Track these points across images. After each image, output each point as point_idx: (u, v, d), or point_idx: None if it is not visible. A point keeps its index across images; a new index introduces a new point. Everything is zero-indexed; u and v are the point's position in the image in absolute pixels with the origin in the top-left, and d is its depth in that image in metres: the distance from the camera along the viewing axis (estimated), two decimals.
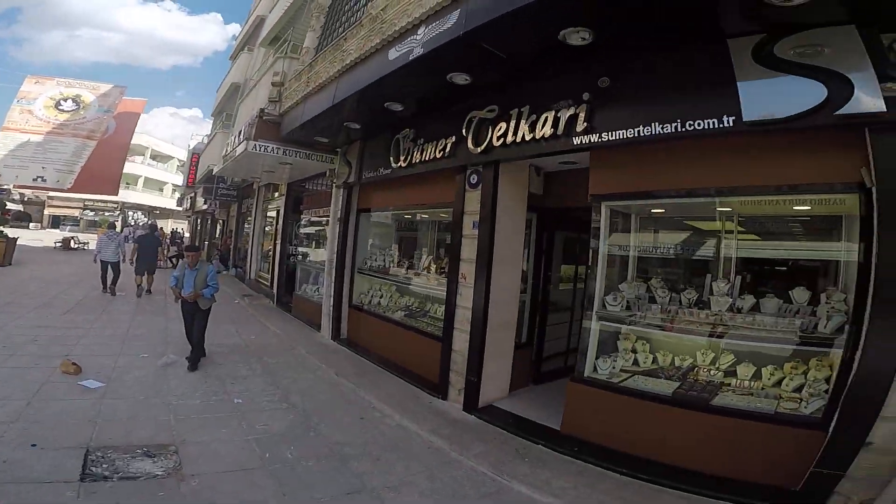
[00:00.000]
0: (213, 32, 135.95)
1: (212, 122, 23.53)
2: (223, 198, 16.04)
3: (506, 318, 5.53)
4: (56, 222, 43.04)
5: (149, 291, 11.12)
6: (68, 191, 18.00)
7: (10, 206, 37.74)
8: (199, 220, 29.62)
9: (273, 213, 13.59)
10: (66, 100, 13.90)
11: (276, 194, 13.11)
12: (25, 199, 40.97)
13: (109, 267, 10.61)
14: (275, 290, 12.11)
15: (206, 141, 19.55)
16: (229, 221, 20.28)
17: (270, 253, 13.13)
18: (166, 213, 49.96)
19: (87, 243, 23.55)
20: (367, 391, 5.60)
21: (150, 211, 49.03)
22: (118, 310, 9.23)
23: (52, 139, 13.47)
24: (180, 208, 38.42)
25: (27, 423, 3.82)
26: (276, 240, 12.32)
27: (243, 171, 11.45)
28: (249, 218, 16.07)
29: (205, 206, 21.11)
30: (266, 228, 14.35)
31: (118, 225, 36.23)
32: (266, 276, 13.39)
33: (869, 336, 3.02)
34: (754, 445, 3.51)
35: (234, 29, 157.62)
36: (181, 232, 32.48)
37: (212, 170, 15.54)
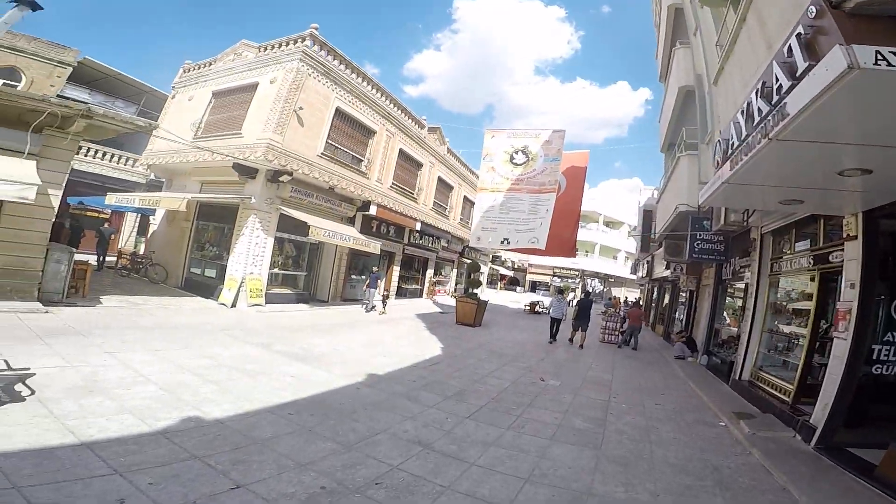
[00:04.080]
0: (627, 101, 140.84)
1: (662, 163, 19.49)
2: (701, 256, 10.76)
3: None
4: (534, 287, 51.65)
5: (581, 347, 12.94)
6: (532, 252, 18.65)
7: (503, 271, 48.96)
8: (655, 289, 25.74)
9: (805, 277, 7.08)
10: (517, 152, 13.24)
11: (830, 241, 6.61)
12: (515, 266, 51.57)
13: (555, 322, 13.63)
14: (820, 417, 5.48)
15: (662, 186, 15.31)
16: (700, 293, 14.72)
17: (801, 343, 6.63)
18: (620, 281, 50.41)
19: (549, 310, 24.46)
20: None
21: (605, 278, 50.98)
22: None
23: (511, 196, 12.78)
24: (634, 276, 36.57)
25: None
26: (842, 323, 5.78)
27: (772, 177, 5.23)
28: (739, 284, 10.05)
29: (666, 273, 16.62)
30: (784, 302, 7.93)
31: (572, 291, 38.70)
32: (781, 381, 6.92)
33: None
34: None
35: (644, 94, 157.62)
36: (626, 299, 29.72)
37: (677, 211, 10.83)
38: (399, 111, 16.47)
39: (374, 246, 14.58)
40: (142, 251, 16.53)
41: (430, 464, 4.05)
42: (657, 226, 16.76)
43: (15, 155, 6.80)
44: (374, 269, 15.33)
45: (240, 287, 11.71)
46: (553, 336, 13.56)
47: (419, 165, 18.97)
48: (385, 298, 14.72)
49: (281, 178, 11.95)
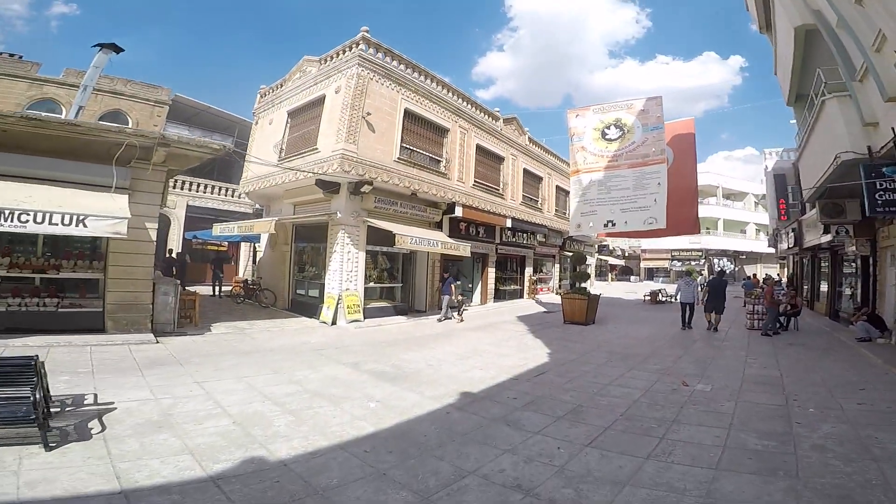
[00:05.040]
0: (718, 70, 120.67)
1: (794, 124, 15.63)
2: (888, 209, 7.88)
3: None
4: (651, 274, 46.71)
5: (715, 329, 11.93)
6: (643, 235, 16.28)
7: (613, 261, 44.96)
8: (806, 262, 21.15)
9: None
10: (608, 127, 11.45)
11: None
12: (626, 254, 47.15)
13: (687, 307, 12.41)
14: None
15: (802, 140, 12.13)
16: (880, 257, 11.29)
17: None
18: (753, 257, 43.37)
19: (675, 297, 21.44)
20: None
21: (734, 256, 44.27)
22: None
23: (610, 174, 11.00)
24: (772, 250, 30.92)
25: None
26: None
27: None
28: None
29: (825, 238, 13.16)
30: None
31: (699, 273, 33.89)
32: None
33: None
34: None
35: (737, 61, 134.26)
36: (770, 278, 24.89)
37: (838, 161, 8.28)
38: (469, 105, 15.49)
39: (463, 248, 13.70)
40: (251, 278, 17.74)
41: None
42: (802, 187, 13.47)
43: (105, 190, 7.18)
44: (446, 274, 14.19)
45: (337, 304, 11.62)
46: (687, 323, 12.37)
47: (500, 159, 17.74)
48: (460, 304, 13.48)
49: (363, 190, 11.68)
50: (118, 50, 8.83)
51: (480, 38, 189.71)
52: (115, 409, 4.65)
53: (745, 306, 13.68)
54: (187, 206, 19.18)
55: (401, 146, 12.49)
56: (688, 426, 4.69)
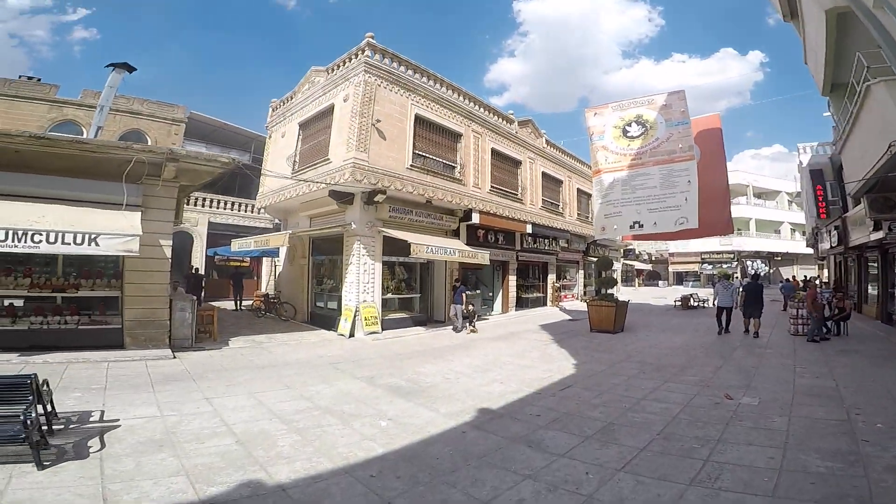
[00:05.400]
0: (738, 67, 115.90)
1: (830, 116, 14.68)
2: None
3: None
4: (680, 279, 45.05)
5: (756, 335, 11.20)
6: (669, 238, 15.57)
7: (639, 266, 43.55)
8: (847, 262, 19.88)
9: None
10: (629, 124, 10.95)
11: None
12: (653, 258, 45.66)
13: (725, 311, 12.10)
14: None
15: (844, 131, 11.32)
16: None
17: None
18: (789, 258, 41.32)
19: (707, 301, 20.52)
20: None
21: (769, 258, 42.28)
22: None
23: (635, 172, 10.51)
24: (810, 250, 29.33)
25: None
26: None
27: None
28: None
29: (877, 235, 12.19)
30: None
31: (734, 276, 32.43)
32: None
33: None
34: None
35: (757, 56, 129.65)
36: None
37: (891, 151, 7.62)
38: (481, 109, 15.21)
39: (481, 256, 13.33)
40: (272, 292, 17.81)
41: None
42: (845, 181, 12.56)
43: (116, 208, 7.18)
44: (456, 282, 13.68)
45: (355, 316, 11.42)
46: (725, 327, 12.03)
47: (517, 163, 17.36)
48: (473, 315, 12.91)
49: (376, 199, 11.51)
50: (131, 69, 8.98)
51: (490, 45, 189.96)
52: (119, 426, 4.50)
53: (784, 310, 12.90)
54: (209, 223, 19.48)
55: (413, 153, 12.29)
56: (735, 446, 4.19)
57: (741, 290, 12.65)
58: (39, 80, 16.82)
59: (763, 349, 9.62)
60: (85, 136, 14.01)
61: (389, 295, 12.92)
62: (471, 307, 13.18)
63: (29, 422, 3.44)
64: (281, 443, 4.24)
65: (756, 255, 41.86)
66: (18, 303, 7.89)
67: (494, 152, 15.76)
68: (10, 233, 6.04)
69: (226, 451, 4.01)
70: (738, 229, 38.12)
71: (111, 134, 15.97)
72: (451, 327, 12.61)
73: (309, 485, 3.41)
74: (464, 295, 12.67)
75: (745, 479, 3.46)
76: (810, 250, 29.13)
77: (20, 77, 16.85)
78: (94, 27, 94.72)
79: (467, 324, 12.55)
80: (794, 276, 27.42)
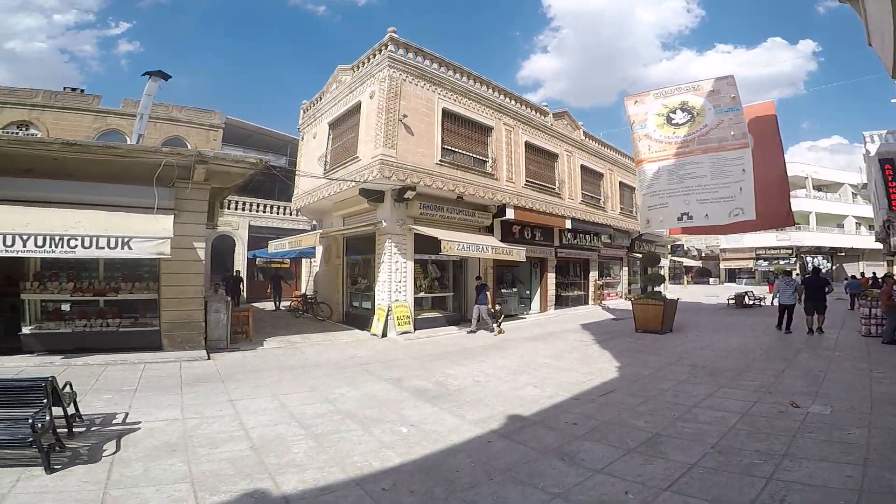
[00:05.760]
0: (788, 56, 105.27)
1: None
2: None
3: None
4: (732, 276, 42.27)
5: (820, 330, 10.88)
6: (719, 232, 14.34)
7: (688, 262, 41.16)
8: None
9: None
10: (673, 111, 10.08)
11: None
12: (703, 254, 43.07)
13: (786, 310, 11.51)
14: None
15: None
16: None
17: None
18: (853, 255, 37.78)
19: (763, 299, 19.02)
20: None
21: (831, 253, 38.80)
22: None
23: (682, 161, 9.72)
24: (879, 245, 26.58)
25: None
26: None
27: None
28: None
29: None
30: None
31: (794, 272, 29.99)
32: None
33: None
34: None
35: (808, 45, 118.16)
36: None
37: None
38: (512, 101, 14.66)
39: (517, 253, 12.82)
40: (310, 292, 18.05)
41: None
42: None
43: (149, 211, 7.31)
44: (478, 278, 13.01)
45: (387, 315, 11.26)
46: (787, 326, 11.40)
47: (553, 156, 16.67)
48: (499, 314, 12.31)
49: (406, 196, 11.30)
50: (166, 77, 9.23)
51: (522, 42, 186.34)
52: (139, 429, 4.46)
53: (852, 309, 11.68)
54: (249, 226, 20.04)
55: (442, 148, 11.97)
56: (805, 461, 3.58)
57: (801, 284, 11.88)
58: (83, 90, 17.71)
59: (831, 351, 8.60)
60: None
61: (422, 294, 12.68)
62: (497, 307, 12.69)
63: (40, 425, 3.38)
64: (295, 449, 4.03)
65: (816, 250, 38.49)
66: (66, 307, 8.23)
67: (528, 145, 15.19)
68: (48, 238, 6.24)
69: (238, 456, 3.84)
70: (797, 223, 35.21)
71: (153, 141, 16.62)
72: (468, 330, 11.87)
73: (315, 497, 3.15)
74: (488, 293, 12.19)
75: (818, 502, 2.89)
76: (879, 245, 26.39)
77: (64, 89, 17.72)
78: (137, 40, 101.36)
79: (495, 325, 12.00)
80: (862, 273, 24.94)
